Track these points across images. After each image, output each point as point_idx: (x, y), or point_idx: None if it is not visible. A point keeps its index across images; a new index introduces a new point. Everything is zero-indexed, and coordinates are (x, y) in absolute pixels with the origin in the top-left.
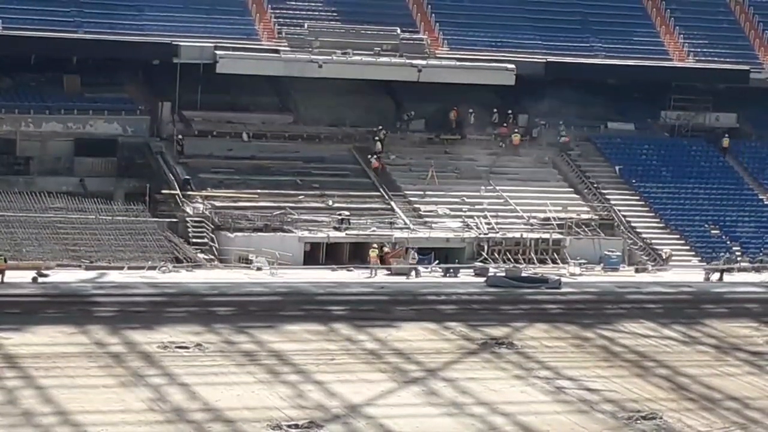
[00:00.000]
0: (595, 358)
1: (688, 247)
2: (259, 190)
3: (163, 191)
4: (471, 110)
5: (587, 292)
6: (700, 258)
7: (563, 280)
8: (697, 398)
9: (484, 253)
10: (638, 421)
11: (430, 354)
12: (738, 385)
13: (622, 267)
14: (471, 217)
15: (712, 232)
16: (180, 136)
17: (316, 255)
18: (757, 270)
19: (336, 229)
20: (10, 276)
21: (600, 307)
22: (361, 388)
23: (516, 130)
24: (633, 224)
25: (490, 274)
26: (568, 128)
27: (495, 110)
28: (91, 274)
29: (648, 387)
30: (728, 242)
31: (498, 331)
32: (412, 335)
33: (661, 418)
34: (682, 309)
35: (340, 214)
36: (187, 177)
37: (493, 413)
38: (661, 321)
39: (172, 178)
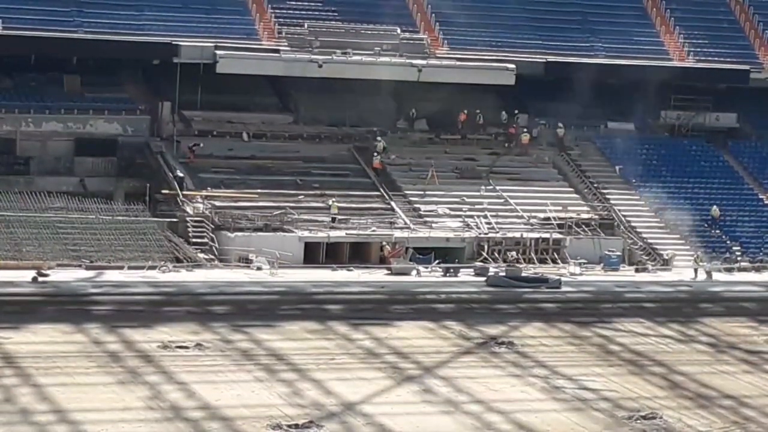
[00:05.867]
0: (594, 357)
1: (688, 247)
2: (259, 190)
3: (164, 191)
4: (478, 111)
5: (587, 292)
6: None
7: (563, 279)
8: (695, 397)
9: (488, 253)
10: (638, 421)
11: (429, 353)
12: (737, 384)
13: (622, 267)
14: (471, 216)
15: (712, 231)
16: (199, 144)
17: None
18: (758, 270)
19: (331, 228)
20: (11, 275)
21: (599, 307)
22: (359, 386)
23: (525, 130)
24: (633, 224)
25: (490, 274)
26: (568, 128)
27: (504, 112)
28: (90, 273)
29: (648, 386)
30: (728, 242)
31: (497, 331)
32: (412, 334)
33: (660, 417)
34: (680, 308)
35: (329, 206)
36: (181, 175)
37: (492, 412)
38: (659, 320)
39: (172, 177)
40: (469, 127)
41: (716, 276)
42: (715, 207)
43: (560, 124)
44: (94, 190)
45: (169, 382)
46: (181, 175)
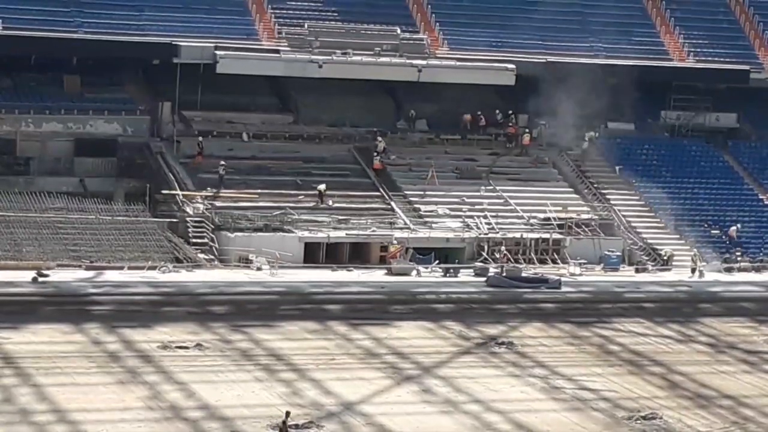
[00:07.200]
0: (594, 357)
1: (688, 247)
2: (259, 190)
3: (163, 191)
4: (479, 112)
5: (586, 292)
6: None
7: (563, 280)
8: (695, 397)
9: (488, 253)
10: (638, 421)
11: (429, 353)
12: (736, 384)
13: (622, 267)
14: (471, 217)
15: (712, 232)
16: (200, 138)
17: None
18: (758, 270)
19: (315, 207)
20: (11, 275)
21: (598, 307)
22: (359, 386)
23: (526, 130)
24: (633, 224)
25: (490, 274)
26: (568, 128)
27: (497, 111)
28: (90, 273)
29: (647, 387)
30: (728, 242)
31: (496, 331)
32: (411, 334)
33: (660, 417)
34: (680, 308)
35: (316, 186)
36: (223, 173)
37: (491, 412)
38: (659, 320)
39: (173, 177)
40: (471, 128)
41: (717, 276)
42: (737, 226)
43: (585, 141)
44: (94, 190)
45: (168, 382)
46: (222, 173)
